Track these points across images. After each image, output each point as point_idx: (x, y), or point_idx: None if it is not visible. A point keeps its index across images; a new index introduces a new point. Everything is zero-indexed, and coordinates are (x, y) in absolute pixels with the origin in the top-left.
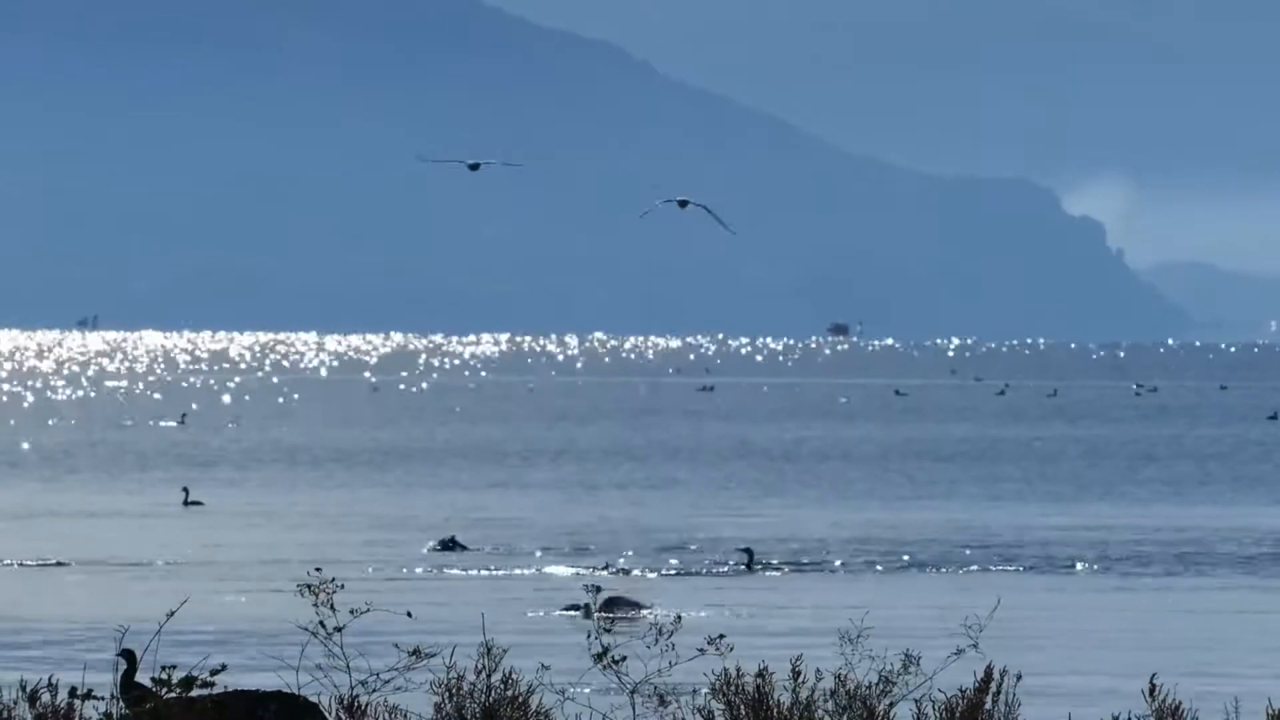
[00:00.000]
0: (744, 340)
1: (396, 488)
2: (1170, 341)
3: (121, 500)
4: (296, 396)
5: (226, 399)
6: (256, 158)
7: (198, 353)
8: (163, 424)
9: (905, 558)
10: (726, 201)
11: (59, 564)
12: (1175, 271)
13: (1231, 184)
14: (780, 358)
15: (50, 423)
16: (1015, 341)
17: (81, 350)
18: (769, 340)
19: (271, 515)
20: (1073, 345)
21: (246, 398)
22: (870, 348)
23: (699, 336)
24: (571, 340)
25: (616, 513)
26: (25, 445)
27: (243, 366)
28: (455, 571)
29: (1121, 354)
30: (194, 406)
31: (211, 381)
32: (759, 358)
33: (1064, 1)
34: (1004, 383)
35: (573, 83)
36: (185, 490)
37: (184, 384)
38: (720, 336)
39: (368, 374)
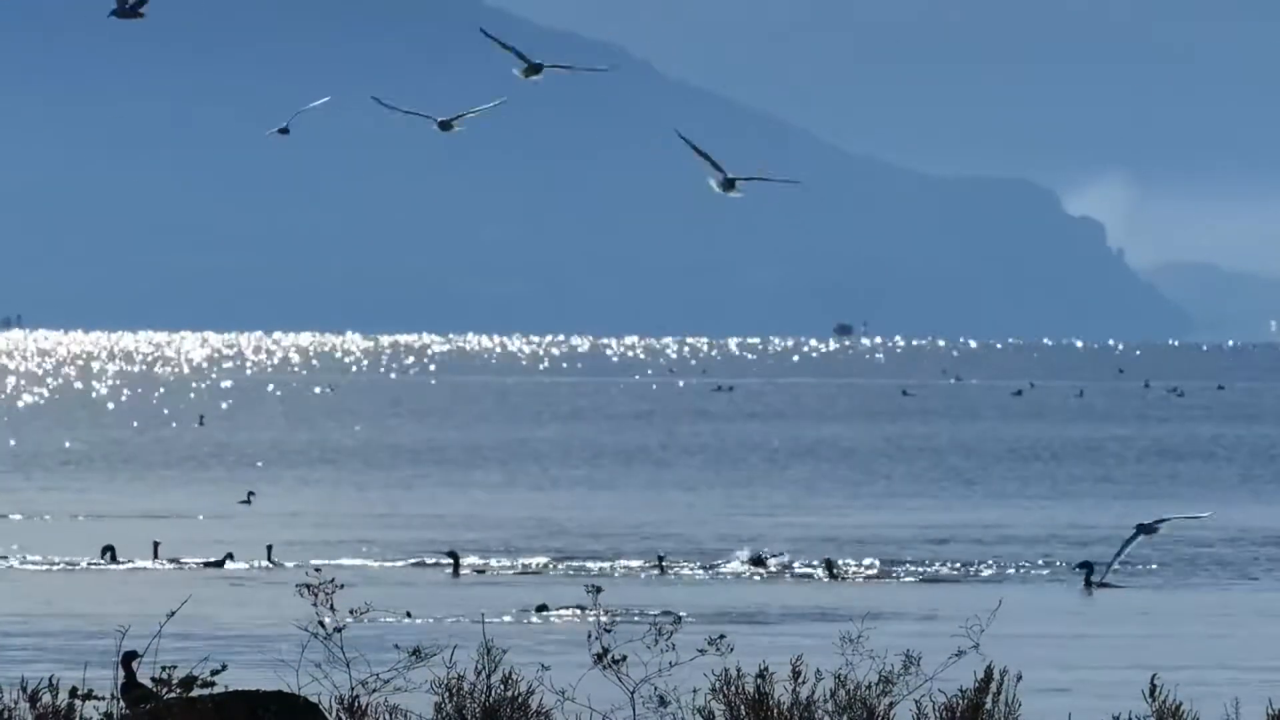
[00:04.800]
0: (754, 341)
1: (411, 488)
2: (1203, 348)
3: (136, 501)
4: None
5: (239, 400)
6: (256, 157)
7: (207, 353)
8: (177, 424)
9: (909, 561)
10: (727, 201)
11: (76, 563)
12: (1176, 271)
13: (1232, 184)
14: (794, 358)
15: (72, 421)
16: (1013, 341)
17: (92, 350)
18: (774, 340)
19: (283, 514)
20: (1058, 342)
21: (266, 399)
22: (891, 346)
23: (693, 338)
24: (573, 340)
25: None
26: (35, 447)
27: (256, 369)
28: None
29: (1136, 353)
30: (203, 412)
31: (228, 382)
32: (751, 356)
33: (1065, 1)
34: (1028, 382)
35: (573, 83)
36: (250, 493)
37: (198, 384)
38: (723, 340)
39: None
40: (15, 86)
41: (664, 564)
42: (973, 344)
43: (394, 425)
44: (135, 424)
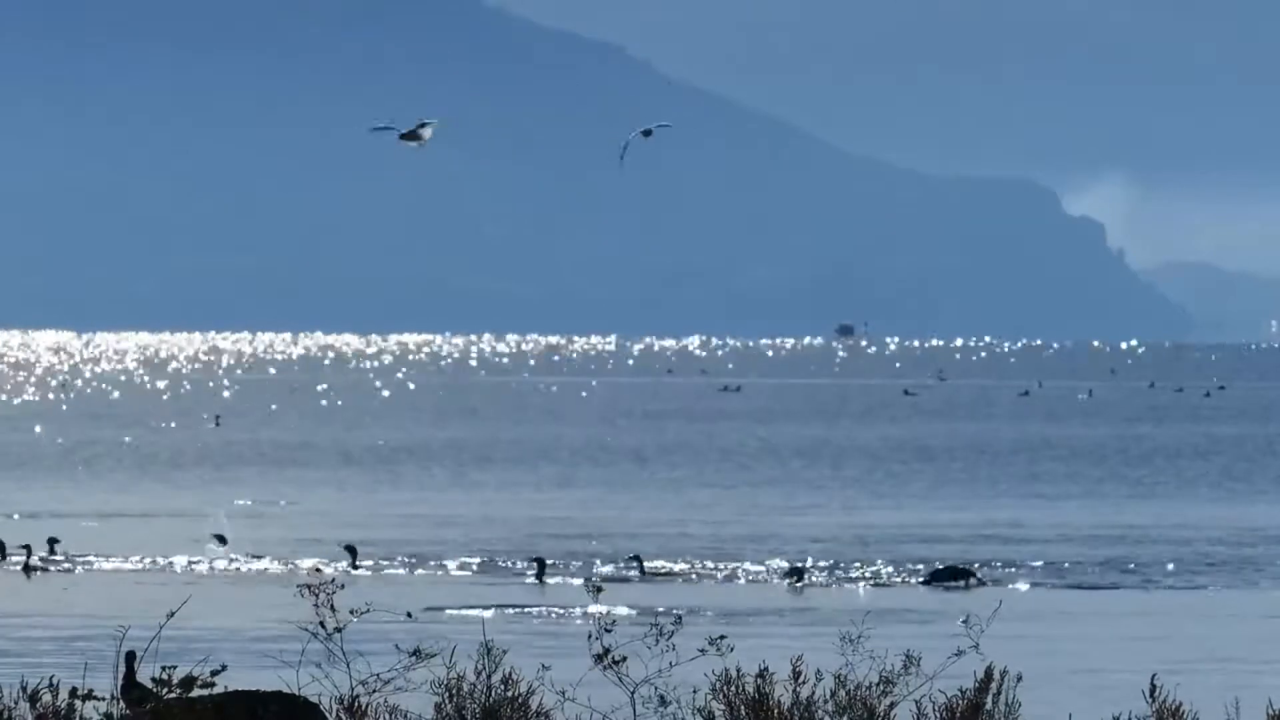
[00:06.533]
0: (755, 341)
1: (435, 488)
2: (1216, 358)
3: (144, 501)
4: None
5: (252, 400)
6: (257, 158)
7: (213, 354)
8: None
9: (912, 560)
10: (727, 201)
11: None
12: (1176, 272)
13: (1232, 184)
14: (798, 358)
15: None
16: (1018, 342)
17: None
18: (776, 340)
19: (293, 514)
20: (1064, 343)
21: (268, 399)
22: (891, 346)
23: (699, 338)
24: (576, 341)
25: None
26: (52, 445)
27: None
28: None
29: (1153, 350)
30: (219, 412)
31: (240, 381)
32: (766, 354)
33: (1065, 2)
34: (1035, 382)
35: (573, 83)
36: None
37: (202, 384)
38: (716, 340)
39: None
40: (15, 86)
41: (641, 565)
42: (959, 342)
43: (402, 425)
44: (151, 424)
